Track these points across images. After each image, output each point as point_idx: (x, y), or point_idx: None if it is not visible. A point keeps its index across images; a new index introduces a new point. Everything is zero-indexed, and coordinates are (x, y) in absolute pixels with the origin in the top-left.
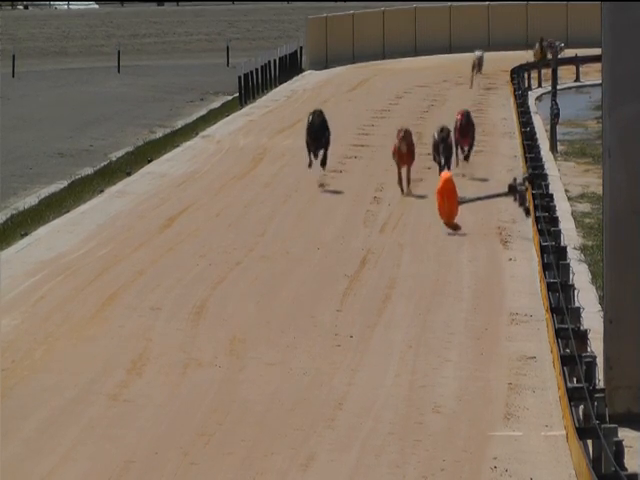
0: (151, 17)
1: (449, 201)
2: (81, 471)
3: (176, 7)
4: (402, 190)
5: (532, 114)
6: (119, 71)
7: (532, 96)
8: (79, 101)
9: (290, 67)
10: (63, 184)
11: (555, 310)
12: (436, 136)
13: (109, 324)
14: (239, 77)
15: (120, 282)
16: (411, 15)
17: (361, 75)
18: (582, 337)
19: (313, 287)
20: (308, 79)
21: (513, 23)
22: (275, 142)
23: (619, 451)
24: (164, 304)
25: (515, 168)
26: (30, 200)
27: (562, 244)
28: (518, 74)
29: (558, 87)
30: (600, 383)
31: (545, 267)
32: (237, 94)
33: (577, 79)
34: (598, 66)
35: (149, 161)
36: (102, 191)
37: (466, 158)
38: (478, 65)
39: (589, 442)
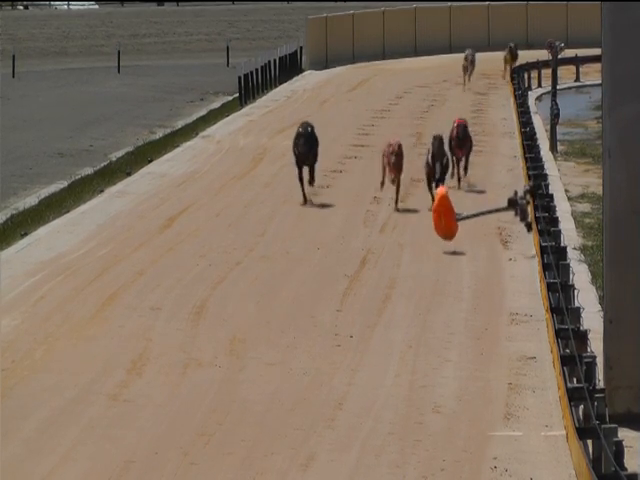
0: (151, 17)
1: (446, 219)
2: (81, 471)
3: (176, 7)
4: (381, 185)
5: (532, 114)
6: (119, 71)
7: (532, 96)
8: (79, 101)
9: (290, 67)
10: (63, 184)
11: (555, 310)
12: (431, 148)
13: (109, 324)
14: (239, 77)
15: (120, 282)
16: (411, 15)
17: (361, 75)
18: (582, 337)
19: (313, 287)
20: (308, 79)
21: (513, 23)
22: (275, 142)
23: (619, 451)
24: (164, 304)
25: (515, 168)
26: (30, 200)
27: (562, 244)
28: (518, 74)
29: (558, 87)
30: (600, 383)
31: (545, 267)
32: (237, 94)
33: (577, 79)
34: (598, 66)
35: (149, 161)
36: (102, 191)
37: (464, 169)
38: (471, 63)
39: (589, 442)
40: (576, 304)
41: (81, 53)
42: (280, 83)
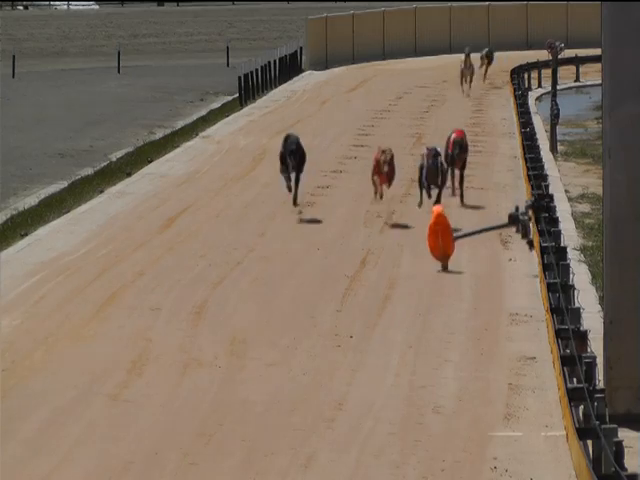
0: (151, 17)
1: (443, 238)
2: (81, 471)
3: (176, 7)
4: (380, 196)
5: (532, 114)
6: (119, 71)
7: (532, 96)
8: (79, 101)
9: (290, 67)
10: (63, 184)
11: (555, 310)
12: (425, 161)
13: (109, 324)
14: (239, 77)
15: (120, 282)
16: (411, 15)
17: (361, 75)
18: (582, 337)
19: (313, 287)
20: (308, 79)
21: (513, 23)
22: (275, 142)
23: (619, 451)
24: (164, 304)
25: (515, 168)
26: (30, 200)
27: (562, 244)
28: (518, 74)
29: (558, 87)
30: (600, 383)
31: (545, 267)
32: (237, 94)
33: (577, 79)
34: (598, 66)
35: (149, 161)
36: (102, 191)
37: (460, 183)
38: (469, 68)
39: (589, 442)
40: (576, 304)
41: (81, 53)
42: (280, 83)
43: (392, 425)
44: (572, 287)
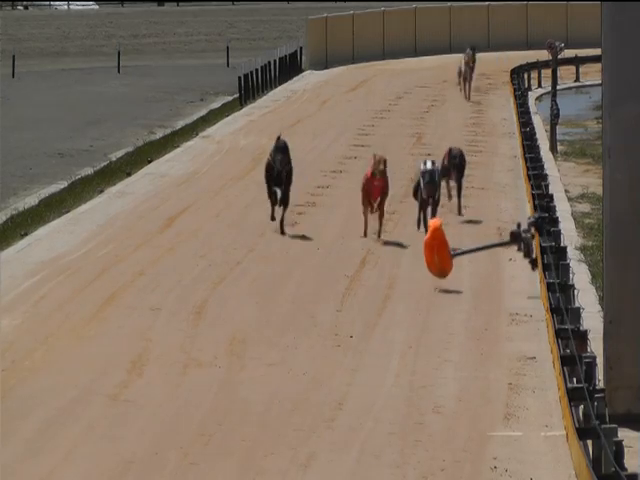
0: (151, 17)
1: (440, 255)
2: (81, 471)
3: (176, 7)
4: (365, 234)
5: (532, 114)
6: (119, 71)
7: (532, 96)
8: (79, 101)
9: (290, 67)
10: (63, 184)
11: (555, 310)
12: (421, 174)
13: (109, 324)
14: (239, 77)
15: (120, 282)
16: (411, 15)
17: (361, 75)
18: (582, 337)
19: (313, 287)
20: (308, 79)
21: (513, 23)
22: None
23: (619, 451)
24: (164, 304)
25: (515, 168)
26: (30, 200)
27: (562, 244)
28: (518, 74)
29: (558, 87)
30: (600, 383)
31: (545, 267)
32: (237, 94)
33: (577, 79)
34: (598, 66)
35: (149, 161)
36: (102, 191)
37: (459, 212)
38: (469, 68)
39: (589, 442)
40: (576, 304)
41: (81, 53)
42: (280, 83)
43: (392, 425)
44: (572, 287)
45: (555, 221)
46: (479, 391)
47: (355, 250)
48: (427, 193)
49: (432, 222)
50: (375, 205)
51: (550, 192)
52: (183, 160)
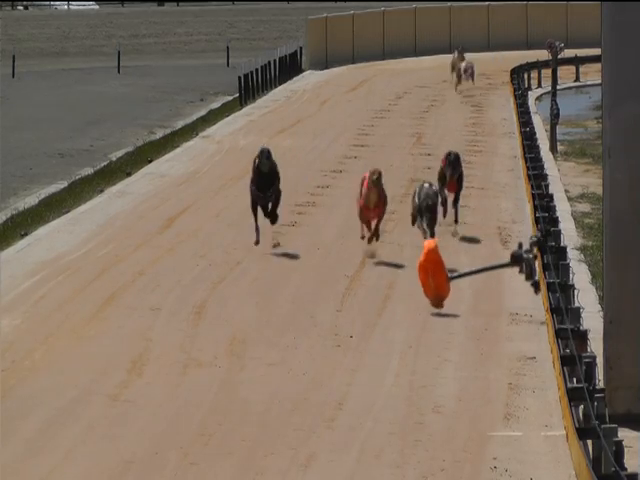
0: (151, 17)
1: (436, 277)
2: (81, 471)
3: (176, 7)
4: (363, 237)
5: (532, 114)
6: (119, 71)
7: (532, 96)
8: (79, 101)
9: (290, 67)
10: (63, 184)
11: (555, 310)
12: (417, 191)
13: (109, 324)
14: (239, 77)
15: (120, 282)
16: (411, 15)
17: (361, 75)
18: (582, 337)
19: (313, 287)
20: (308, 79)
21: (513, 23)
22: (275, 142)
23: (619, 451)
24: (164, 304)
25: (515, 168)
26: (30, 200)
27: (562, 244)
28: (518, 74)
29: (558, 87)
30: (600, 383)
31: (545, 267)
32: (237, 94)
33: (577, 79)
34: (598, 66)
35: (149, 161)
36: (102, 191)
37: (454, 206)
38: (465, 71)
39: (589, 442)
40: (576, 304)
41: (81, 53)
42: (280, 83)
43: (392, 425)
44: (572, 287)
45: (555, 221)
46: (479, 391)
47: (355, 250)
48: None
49: (426, 243)
50: (372, 224)
51: (550, 192)
52: (183, 160)
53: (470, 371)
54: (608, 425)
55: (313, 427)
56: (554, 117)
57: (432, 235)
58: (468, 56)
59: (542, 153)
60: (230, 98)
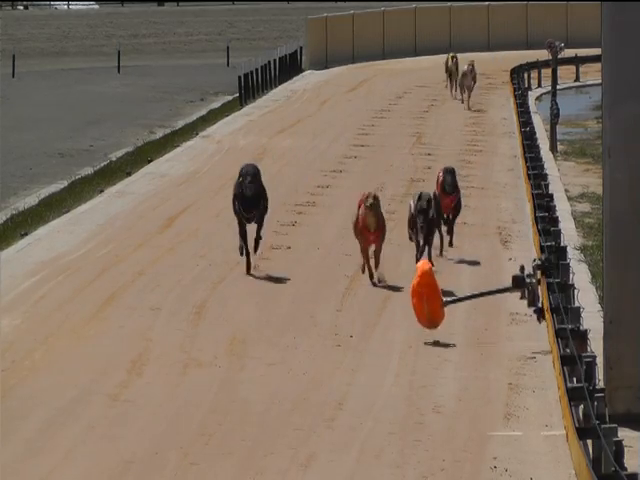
0: (151, 17)
1: (430, 302)
2: (81, 471)
3: (176, 7)
4: (371, 276)
5: (532, 114)
6: (119, 71)
7: (532, 96)
8: (79, 101)
9: (290, 67)
10: (63, 184)
11: (555, 310)
12: (412, 207)
13: (109, 324)
14: (239, 77)
15: (120, 282)
16: (411, 15)
17: (361, 75)
18: (582, 337)
19: (313, 287)
20: (308, 79)
21: (513, 23)
22: (275, 142)
23: (619, 451)
24: (164, 304)
25: (515, 167)
26: (30, 200)
27: (562, 244)
28: (518, 74)
29: (558, 87)
30: (600, 383)
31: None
32: (237, 94)
33: (577, 79)
34: (598, 66)
35: (149, 161)
36: (102, 191)
37: (449, 232)
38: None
39: (589, 442)
40: (576, 304)
41: (81, 53)
42: (280, 83)
43: (392, 425)
44: (572, 287)
45: (555, 220)
46: (479, 391)
47: (355, 250)
48: (423, 235)
49: (420, 265)
50: (371, 251)
51: (550, 192)
52: (183, 160)
53: (470, 371)
54: (608, 425)
55: (313, 427)
56: (554, 117)
57: (429, 248)
58: (467, 56)
59: (542, 153)
60: (230, 98)
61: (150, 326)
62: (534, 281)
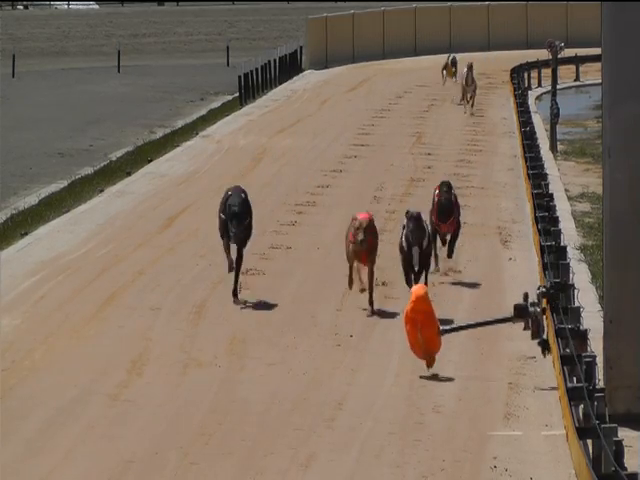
0: (151, 17)
1: (425, 331)
2: (81, 471)
3: (176, 7)
4: (361, 290)
5: (532, 114)
6: (119, 71)
7: (532, 95)
8: (79, 101)
9: (290, 67)
10: (63, 184)
11: (555, 310)
12: (404, 239)
13: (109, 324)
14: (239, 77)
15: (120, 282)
16: (411, 15)
17: (361, 75)
18: (582, 337)
19: (313, 287)
20: (308, 79)
21: (513, 23)
22: (275, 142)
23: (619, 451)
24: (164, 304)
25: (515, 167)
26: (30, 200)
27: (562, 244)
28: (518, 73)
29: (558, 87)
30: (600, 383)
31: (545, 267)
32: (237, 94)
33: (577, 79)
34: (598, 66)
35: (149, 161)
36: (102, 191)
37: (449, 254)
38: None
39: (589, 442)
40: (576, 304)
41: (81, 53)
42: (280, 83)
43: (392, 425)
44: (572, 286)
45: (555, 220)
46: (479, 391)
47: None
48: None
49: (415, 290)
50: (362, 268)
51: (550, 191)
52: (183, 160)
53: (470, 371)
54: (608, 425)
55: (313, 427)
56: (554, 116)
57: (426, 272)
58: (468, 56)
59: (542, 152)
60: (230, 98)
61: (150, 326)
62: (538, 310)
